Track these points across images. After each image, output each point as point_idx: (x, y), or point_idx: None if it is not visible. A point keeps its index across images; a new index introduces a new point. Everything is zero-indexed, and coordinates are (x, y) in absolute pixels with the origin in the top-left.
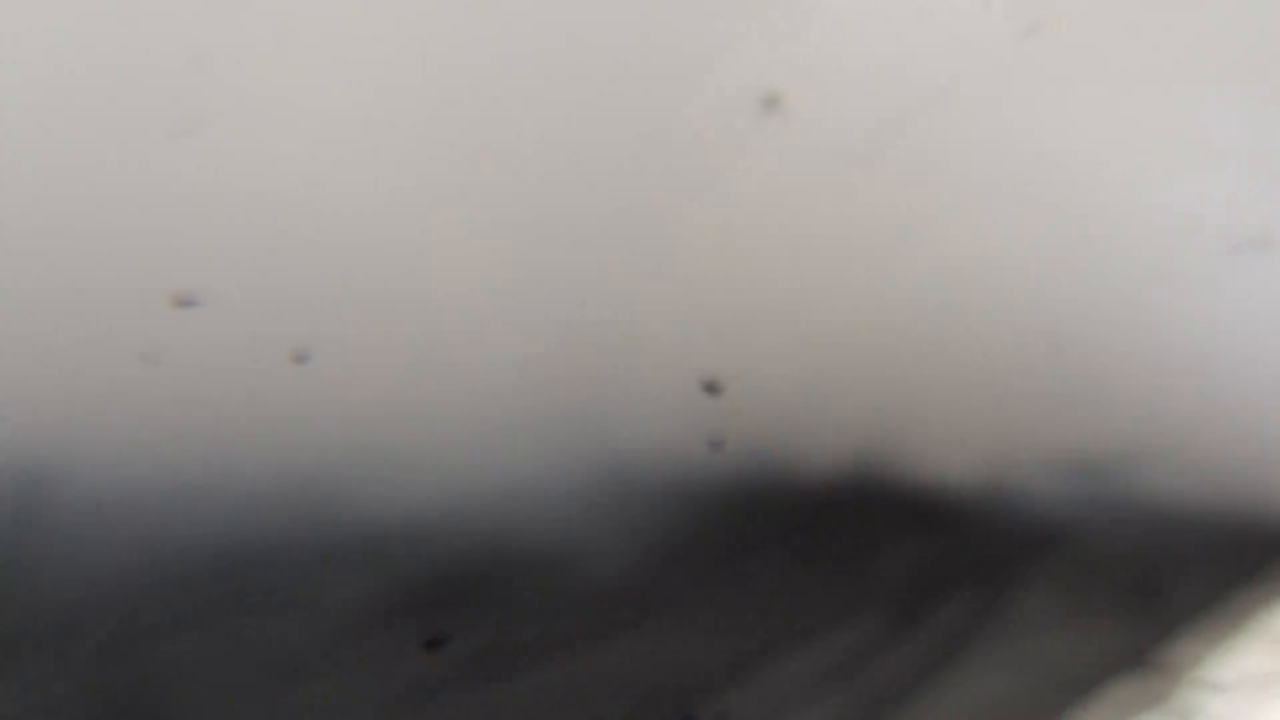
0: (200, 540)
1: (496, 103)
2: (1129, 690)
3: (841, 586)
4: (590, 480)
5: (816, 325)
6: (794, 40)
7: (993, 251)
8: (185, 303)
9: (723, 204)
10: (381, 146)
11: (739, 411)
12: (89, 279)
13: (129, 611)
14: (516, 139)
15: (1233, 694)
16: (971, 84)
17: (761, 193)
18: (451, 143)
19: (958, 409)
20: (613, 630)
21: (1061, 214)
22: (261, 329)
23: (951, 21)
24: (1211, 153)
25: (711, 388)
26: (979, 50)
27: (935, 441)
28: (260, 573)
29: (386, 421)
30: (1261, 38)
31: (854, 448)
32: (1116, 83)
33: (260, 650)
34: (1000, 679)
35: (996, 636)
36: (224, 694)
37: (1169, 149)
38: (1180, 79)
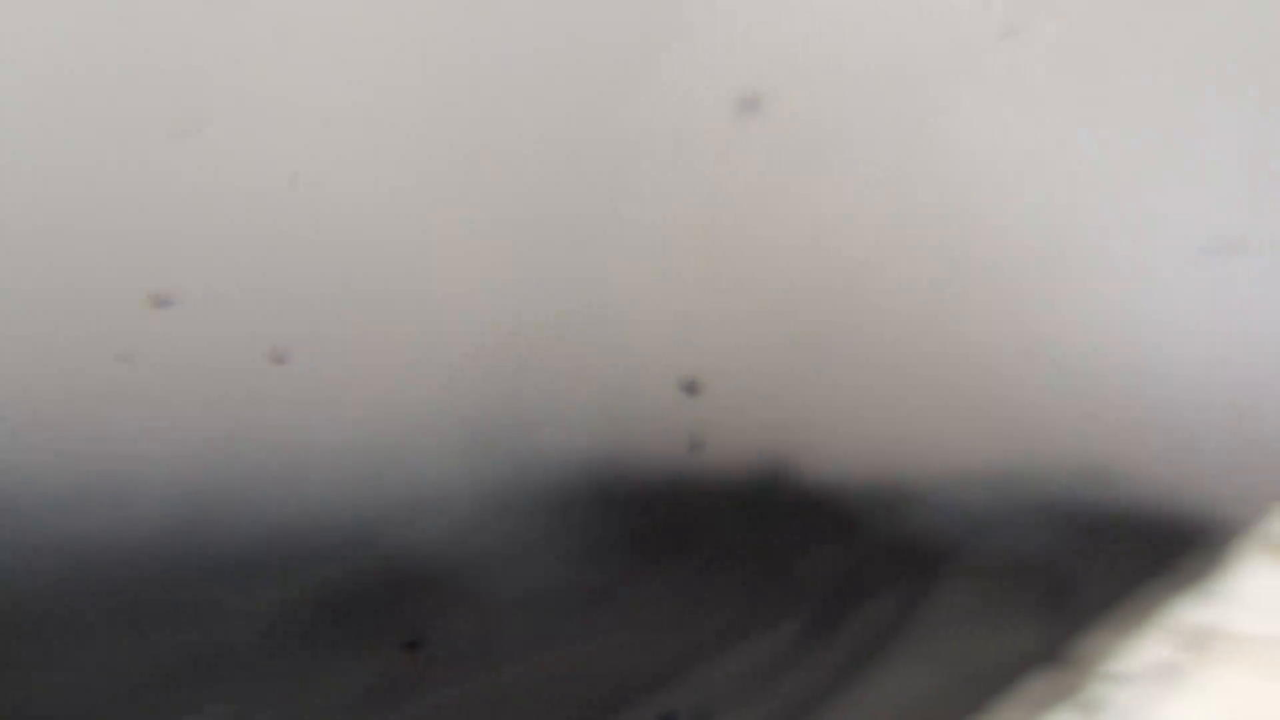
0: (106, 545)
1: (493, 104)
2: (1042, 686)
3: (763, 590)
4: (514, 485)
5: (790, 329)
6: (780, 45)
7: (967, 256)
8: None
9: (708, 205)
10: (375, 146)
11: (700, 415)
12: (66, 278)
13: (23, 617)
14: (509, 140)
15: (1137, 686)
16: (953, 85)
17: (746, 194)
18: (449, 143)
19: (895, 414)
20: (536, 637)
21: (1035, 218)
22: (226, 330)
23: (935, 24)
24: (1186, 155)
25: (691, 388)
26: (960, 52)
27: (863, 446)
28: (180, 578)
29: (337, 425)
30: (1239, 49)
31: (784, 452)
32: (1093, 87)
33: (176, 658)
34: (919, 677)
35: (914, 636)
36: (121, 702)
37: (1145, 150)
38: (1159, 84)
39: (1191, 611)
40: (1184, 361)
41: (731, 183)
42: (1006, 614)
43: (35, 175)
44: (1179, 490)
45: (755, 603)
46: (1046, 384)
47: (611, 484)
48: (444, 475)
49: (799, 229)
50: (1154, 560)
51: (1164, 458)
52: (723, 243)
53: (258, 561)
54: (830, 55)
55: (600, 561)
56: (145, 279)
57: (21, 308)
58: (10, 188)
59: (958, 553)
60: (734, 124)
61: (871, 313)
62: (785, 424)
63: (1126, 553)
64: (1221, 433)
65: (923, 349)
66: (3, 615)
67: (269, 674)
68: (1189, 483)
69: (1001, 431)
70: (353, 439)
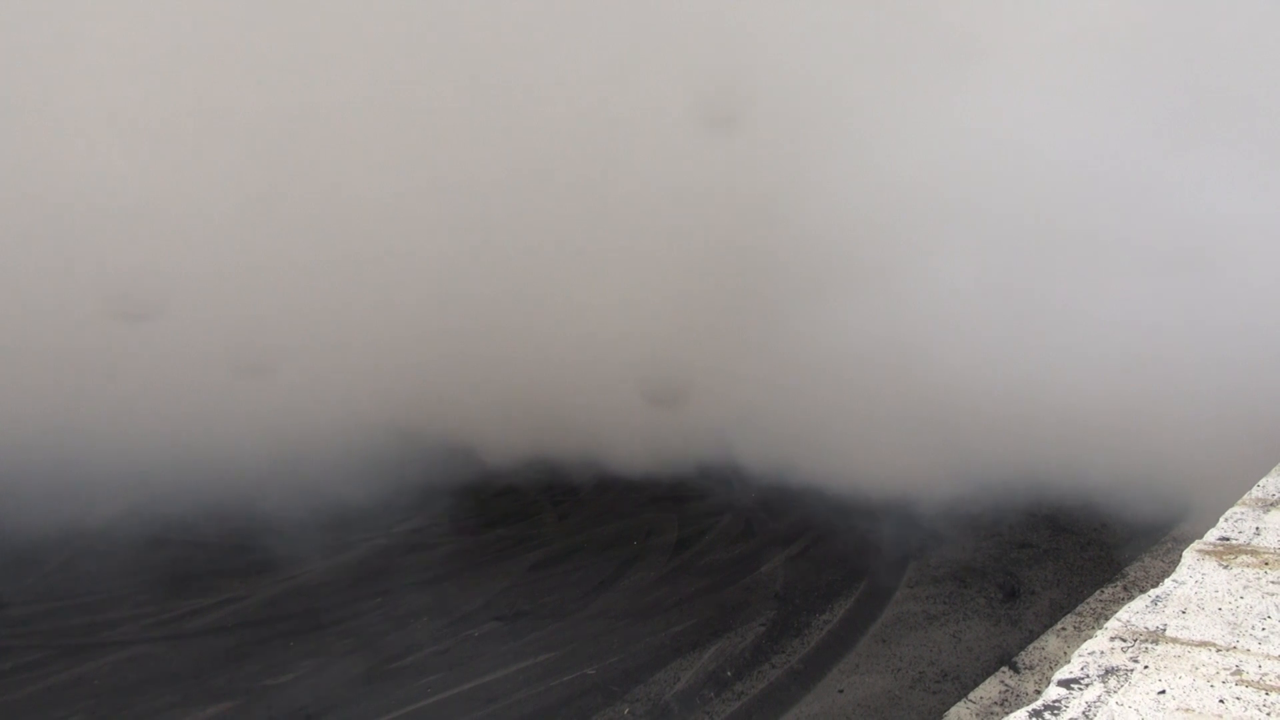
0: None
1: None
2: (997, 689)
3: (723, 595)
4: (466, 493)
5: (762, 342)
6: (744, 57)
7: (927, 271)
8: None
9: (672, 209)
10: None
11: (659, 422)
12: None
13: None
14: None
15: (1088, 689)
16: (916, 96)
17: (707, 202)
18: (417, 153)
19: (849, 425)
20: (498, 645)
21: (999, 230)
22: (191, 344)
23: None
24: (1148, 173)
25: (657, 399)
26: (921, 63)
27: (820, 456)
28: (128, 582)
29: (296, 435)
30: (1198, 79)
31: (741, 462)
32: (1056, 105)
33: (118, 660)
34: (878, 681)
35: (873, 641)
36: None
37: (1108, 164)
38: (1123, 107)
39: (1140, 616)
40: (1132, 374)
41: (693, 189)
42: (965, 618)
43: (8, 188)
44: (1126, 498)
45: (715, 608)
46: (1000, 397)
47: (567, 490)
48: (400, 484)
49: (755, 237)
50: (1103, 567)
51: (1111, 467)
52: (678, 248)
53: (209, 569)
54: (790, 71)
55: (553, 575)
56: (116, 294)
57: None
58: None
59: (917, 558)
60: (700, 135)
61: (834, 329)
62: (743, 434)
63: (1084, 559)
64: (1168, 443)
65: (877, 363)
66: None
67: (225, 677)
68: (1136, 491)
69: (957, 443)
70: (312, 447)
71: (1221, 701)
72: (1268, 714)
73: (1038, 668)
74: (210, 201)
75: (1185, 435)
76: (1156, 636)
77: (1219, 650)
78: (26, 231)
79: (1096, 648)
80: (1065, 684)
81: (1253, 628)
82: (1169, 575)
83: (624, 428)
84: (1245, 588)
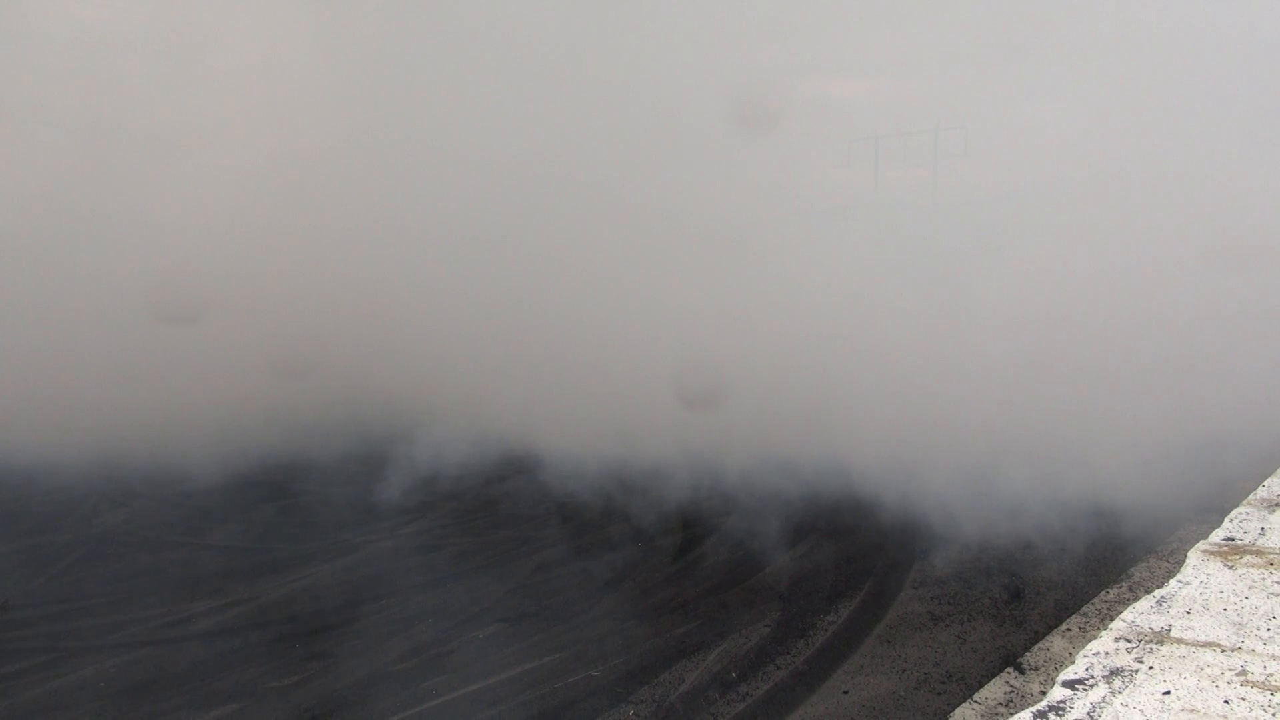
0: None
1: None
2: (1002, 690)
3: (729, 597)
4: (471, 495)
5: (776, 340)
6: (781, 52)
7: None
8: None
9: (696, 204)
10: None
11: (674, 422)
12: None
13: None
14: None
15: (1093, 689)
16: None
17: (742, 194)
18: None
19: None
20: (507, 646)
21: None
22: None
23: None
24: (1191, 172)
25: (689, 401)
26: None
27: (825, 455)
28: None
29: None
30: (1241, 79)
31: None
32: (1099, 98)
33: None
34: (883, 682)
35: (878, 642)
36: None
37: (1149, 163)
38: (1164, 101)
39: (1145, 617)
40: (1143, 376)
41: (723, 185)
42: (970, 619)
43: (49, 194)
44: (1133, 499)
45: (720, 609)
46: (1004, 398)
47: (572, 493)
48: (403, 486)
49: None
50: (1108, 567)
51: (1120, 468)
52: (703, 245)
53: (215, 572)
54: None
55: (558, 577)
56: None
57: (33, 319)
58: (26, 209)
59: (922, 558)
60: (730, 136)
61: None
62: (755, 433)
63: (1088, 560)
64: (1177, 445)
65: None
66: None
67: (232, 679)
68: (1142, 492)
69: (962, 442)
70: (318, 449)
71: (1227, 702)
72: (1273, 715)
73: (1043, 668)
74: (231, 213)
75: (1194, 440)
76: (1161, 637)
77: (1224, 651)
78: (69, 243)
79: (1101, 648)
80: (1070, 685)
81: (1258, 628)
82: (1174, 576)
83: (643, 428)
84: (1251, 588)
